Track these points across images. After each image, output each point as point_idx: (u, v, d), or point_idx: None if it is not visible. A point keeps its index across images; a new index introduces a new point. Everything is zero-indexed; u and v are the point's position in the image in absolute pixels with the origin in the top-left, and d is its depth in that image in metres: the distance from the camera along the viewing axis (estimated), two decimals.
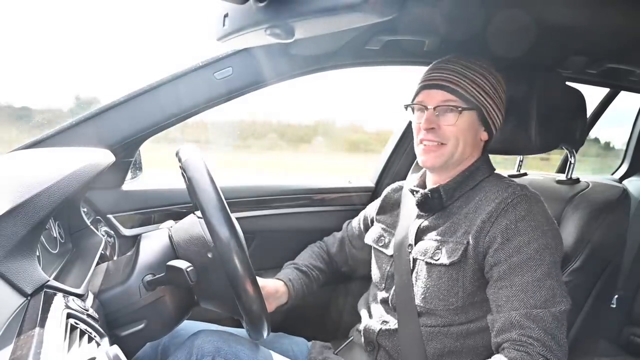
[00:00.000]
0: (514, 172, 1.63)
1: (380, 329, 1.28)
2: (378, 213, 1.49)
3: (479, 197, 1.19)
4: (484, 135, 1.25)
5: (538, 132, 1.31)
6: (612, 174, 2.86)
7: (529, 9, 1.20)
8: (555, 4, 1.17)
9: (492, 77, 1.22)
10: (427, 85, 1.23)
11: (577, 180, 1.43)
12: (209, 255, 1.10)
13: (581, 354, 1.37)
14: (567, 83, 1.44)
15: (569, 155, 1.46)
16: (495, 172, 1.29)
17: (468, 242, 1.15)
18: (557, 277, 1.09)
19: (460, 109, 1.18)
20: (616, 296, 2.26)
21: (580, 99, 1.42)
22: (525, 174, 1.61)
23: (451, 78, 1.20)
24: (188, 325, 1.32)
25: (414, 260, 1.25)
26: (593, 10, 1.21)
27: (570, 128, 1.40)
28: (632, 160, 2.80)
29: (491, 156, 1.32)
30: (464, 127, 1.19)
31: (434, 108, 1.20)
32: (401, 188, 1.46)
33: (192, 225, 1.15)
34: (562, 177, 1.46)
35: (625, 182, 2.59)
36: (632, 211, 2.20)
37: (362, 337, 1.33)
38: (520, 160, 1.63)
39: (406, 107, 1.28)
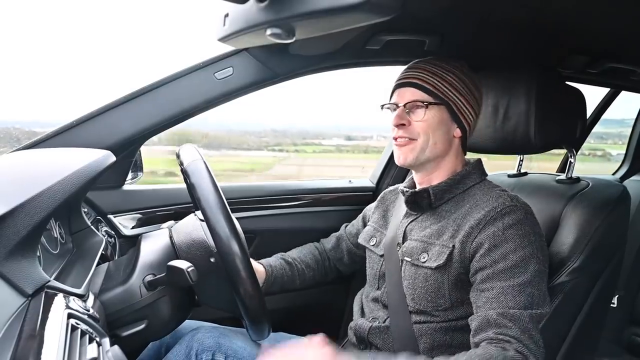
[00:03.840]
0: (514, 172, 1.63)
1: (371, 327, 1.29)
2: (373, 213, 1.50)
3: (469, 205, 1.20)
4: (457, 132, 1.25)
5: (538, 131, 1.31)
6: (613, 173, 2.86)
7: (529, 7, 1.20)
8: (555, 3, 1.17)
9: (463, 75, 1.23)
10: (399, 84, 1.26)
11: (577, 180, 1.43)
12: (212, 259, 1.10)
13: (582, 354, 1.37)
14: (568, 82, 1.44)
15: (569, 155, 1.46)
16: (487, 178, 1.29)
17: (454, 246, 1.16)
18: (539, 286, 1.09)
19: (426, 104, 1.20)
20: (617, 296, 2.26)
21: (580, 98, 1.41)
22: (525, 174, 1.61)
23: (420, 76, 1.23)
24: (190, 325, 1.32)
25: (401, 260, 1.26)
26: (594, 10, 1.21)
27: (570, 127, 1.40)
28: (632, 160, 2.80)
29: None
30: (433, 122, 1.21)
31: (405, 105, 1.23)
32: (398, 190, 1.47)
33: (194, 229, 1.16)
34: (562, 176, 1.46)
35: (625, 181, 2.59)
36: (633, 211, 2.21)
37: (354, 336, 1.33)
38: (520, 160, 1.63)
39: (382, 107, 1.30)
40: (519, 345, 1.01)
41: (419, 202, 1.26)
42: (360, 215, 1.59)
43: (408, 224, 1.29)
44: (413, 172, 1.33)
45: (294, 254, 1.56)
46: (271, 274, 1.44)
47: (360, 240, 1.47)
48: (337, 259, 1.60)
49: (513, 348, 1.01)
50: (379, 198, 1.52)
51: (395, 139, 1.25)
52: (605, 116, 2.74)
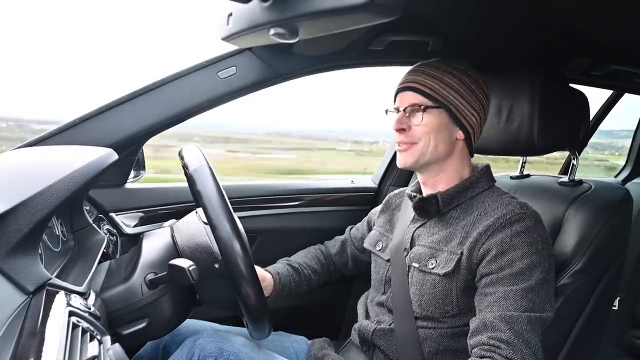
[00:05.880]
0: (517, 174, 1.63)
1: (375, 329, 1.29)
2: (378, 217, 1.50)
3: (478, 212, 1.20)
4: (460, 135, 1.24)
5: (541, 133, 1.31)
6: (615, 176, 2.86)
7: (533, 9, 1.20)
8: (559, 5, 1.16)
9: (466, 77, 1.22)
10: (400, 88, 1.26)
11: (580, 182, 1.43)
12: (216, 265, 1.10)
13: (583, 356, 1.37)
14: (571, 85, 1.44)
15: (571, 157, 1.46)
16: (495, 185, 1.28)
17: (462, 253, 1.15)
18: (539, 294, 1.08)
19: (423, 107, 1.20)
20: (618, 298, 2.26)
21: (583, 100, 1.41)
22: (528, 176, 1.61)
23: (419, 79, 1.22)
24: (189, 324, 1.32)
25: (409, 266, 1.26)
26: (597, 12, 1.21)
27: (573, 129, 1.39)
28: (635, 162, 2.80)
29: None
30: (433, 126, 1.20)
31: (404, 109, 1.23)
32: (403, 194, 1.46)
33: (197, 232, 1.15)
34: (565, 178, 1.46)
35: (628, 184, 2.59)
36: (635, 213, 2.20)
37: (358, 337, 1.33)
38: (523, 162, 1.62)
39: (386, 112, 1.30)
40: (509, 351, 1.01)
41: (427, 208, 1.26)
42: (365, 219, 1.59)
43: (415, 230, 1.28)
44: (417, 174, 1.32)
45: (300, 259, 1.55)
46: (279, 281, 1.43)
47: (366, 245, 1.47)
48: (342, 263, 1.60)
49: (503, 354, 1.01)
50: (384, 202, 1.52)
51: (398, 143, 1.25)
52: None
